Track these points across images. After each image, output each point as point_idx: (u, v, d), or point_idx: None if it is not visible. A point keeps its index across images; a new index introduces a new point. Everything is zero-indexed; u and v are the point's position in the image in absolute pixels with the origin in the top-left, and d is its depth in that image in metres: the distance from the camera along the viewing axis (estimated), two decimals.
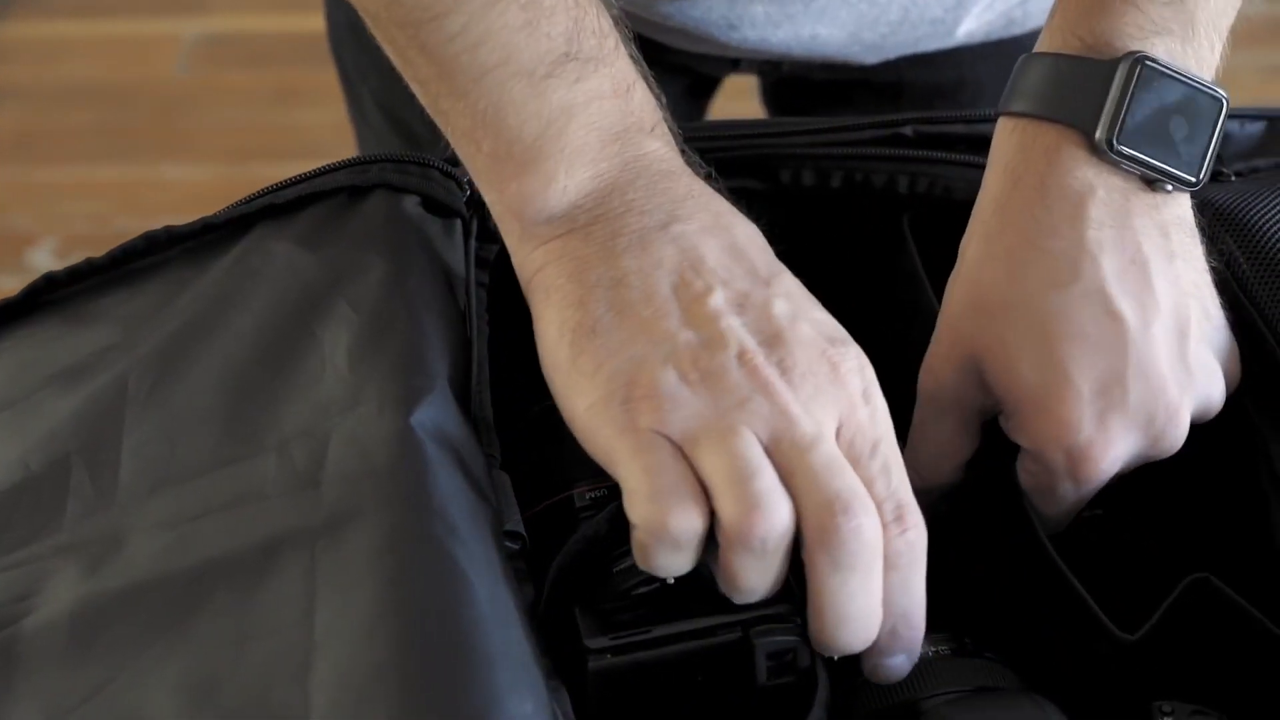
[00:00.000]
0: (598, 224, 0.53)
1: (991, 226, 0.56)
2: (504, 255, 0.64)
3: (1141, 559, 0.62)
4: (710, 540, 0.50)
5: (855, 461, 0.50)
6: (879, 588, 0.50)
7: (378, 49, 0.87)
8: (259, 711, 0.46)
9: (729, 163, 0.66)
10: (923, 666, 0.56)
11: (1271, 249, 0.61)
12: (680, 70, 0.87)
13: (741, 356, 0.50)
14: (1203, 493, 0.63)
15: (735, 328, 0.51)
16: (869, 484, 0.50)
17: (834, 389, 0.51)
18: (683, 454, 0.49)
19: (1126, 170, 0.55)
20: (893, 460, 0.51)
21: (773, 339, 0.51)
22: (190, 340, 0.56)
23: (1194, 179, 0.57)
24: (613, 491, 0.58)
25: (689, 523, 0.49)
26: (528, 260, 0.55)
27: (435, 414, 0.51)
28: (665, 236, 0.53)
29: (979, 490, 0.61)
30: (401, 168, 0.59)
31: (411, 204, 0.59)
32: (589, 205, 0.53)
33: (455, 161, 0.62)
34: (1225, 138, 0.68)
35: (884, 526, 0.50)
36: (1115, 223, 0.55)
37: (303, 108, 2.18)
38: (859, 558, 0.49)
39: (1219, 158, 0.67)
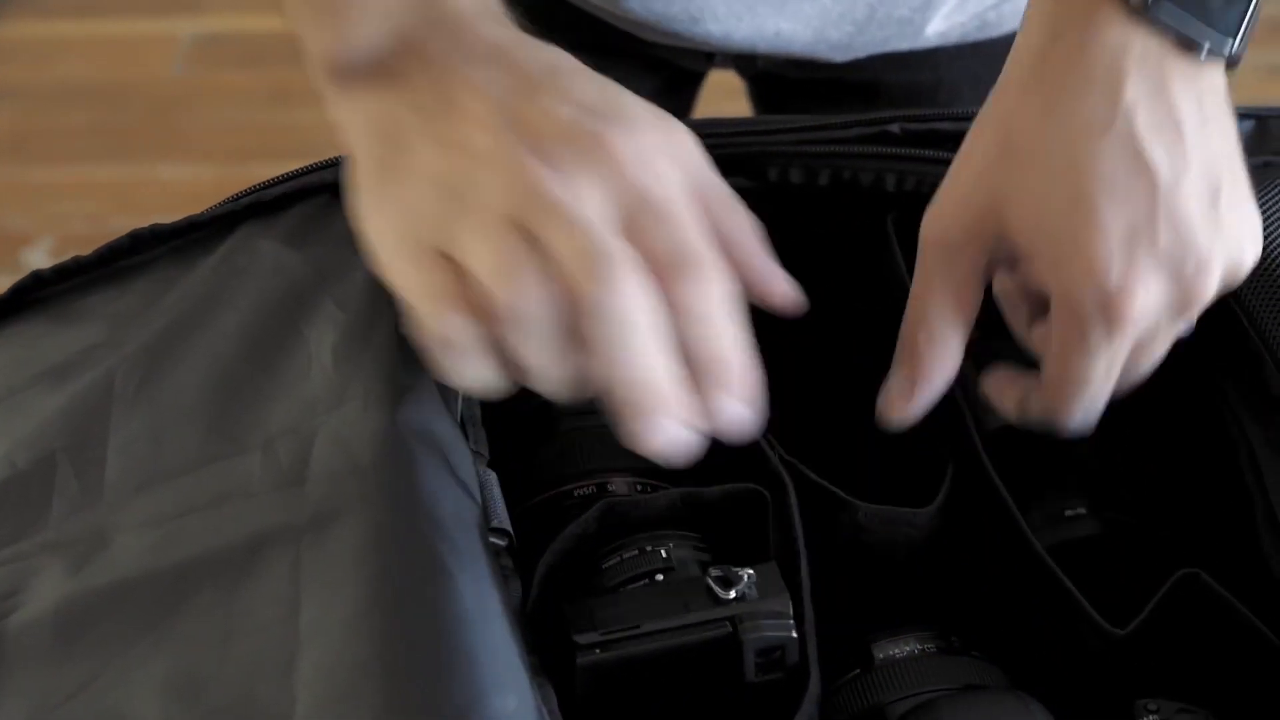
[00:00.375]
0: (396, 77, 0.52)
1: (1028, 77, 0.56)
2: None
3: (1129, 556, 0.62)
4: None
5: (640, 233, 0.49)
6: (658, 345, 0.49)
7: None
8: (244, 708, 0.46)
9: (717, 161, 0.66)
10: (910, 665, 0.56)
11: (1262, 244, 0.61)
12: (659, 64, 0.88)
13: (496, 147, 0.49)
14: (1189, 490, 0.63)
15: (497, 127, 0.50)
16: (656, 250, 0.49)
17: (594, 159, 0.49)
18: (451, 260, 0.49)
19: (1164, 32, 0.55)
20: (684, 223, 0.50)
21: (524, 125, 0.50)
22: (177, 338, 0.56)
23: (1229, 47, 0.56)
24: (603, 489, 0.58)
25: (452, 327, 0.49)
26: (333, 110, 0.54)
27: (421, 412, 0.51)
28: (459, 82, 0.51)
29: (965, 488, 0.61)
30: None
31: None
32: (390, 57, 0.53)
33: None
34: None
35: (672, 280, 0.49)
36: (1152, 82, 0.55)
37: (299, 108, 2.18)
38: (624, 322, 0.48)
39: None
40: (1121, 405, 0.67)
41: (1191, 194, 0.55)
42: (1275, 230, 0.62)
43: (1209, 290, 0.55)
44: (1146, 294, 0.54)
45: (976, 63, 0.86)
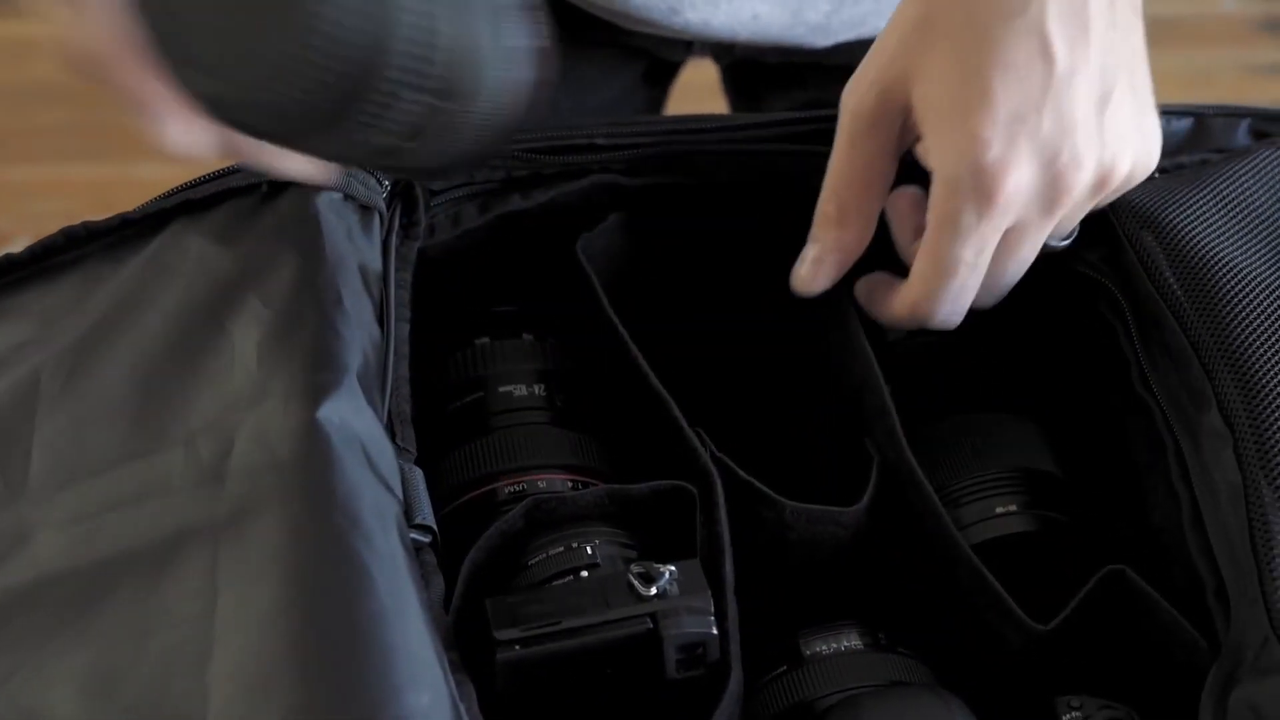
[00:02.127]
0: None
1: None
2: (427, 253, 0.64)
3: (1059, 553, 0.62)
4: None
5: None
6: None
7: None
8: (159, 704, 0.46)
9: (649, 159, 0.66)
10: (837, 661, 0.56)
11: (1190, 246, 0.61)
12: (639, 53, 0.88)
13: None
14: (1120, 488, 0.63)
15: None
16: None
17: None
18: None
19: None
20: None
21: None
22: (103, 335, 0.56)
23: None
24: (532, 486, 0.59)
25: None
26: None
27: (342, 408, 0.51)
28: None
29: (891, 485, 0.61)
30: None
31: (329, 199, 0.59)
32: None
33: None
34: None
35: None
36: None
37: None
38: None
39: None
40: (1057, 405, 0.67)
41: (1082, 90, 0.56)
42: (1210, 232, 0.63)
43: (1078, 185, 0.57)
44: (1019, 175, 0.56)
45: None
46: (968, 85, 0.56)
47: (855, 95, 0.60)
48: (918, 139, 0.59)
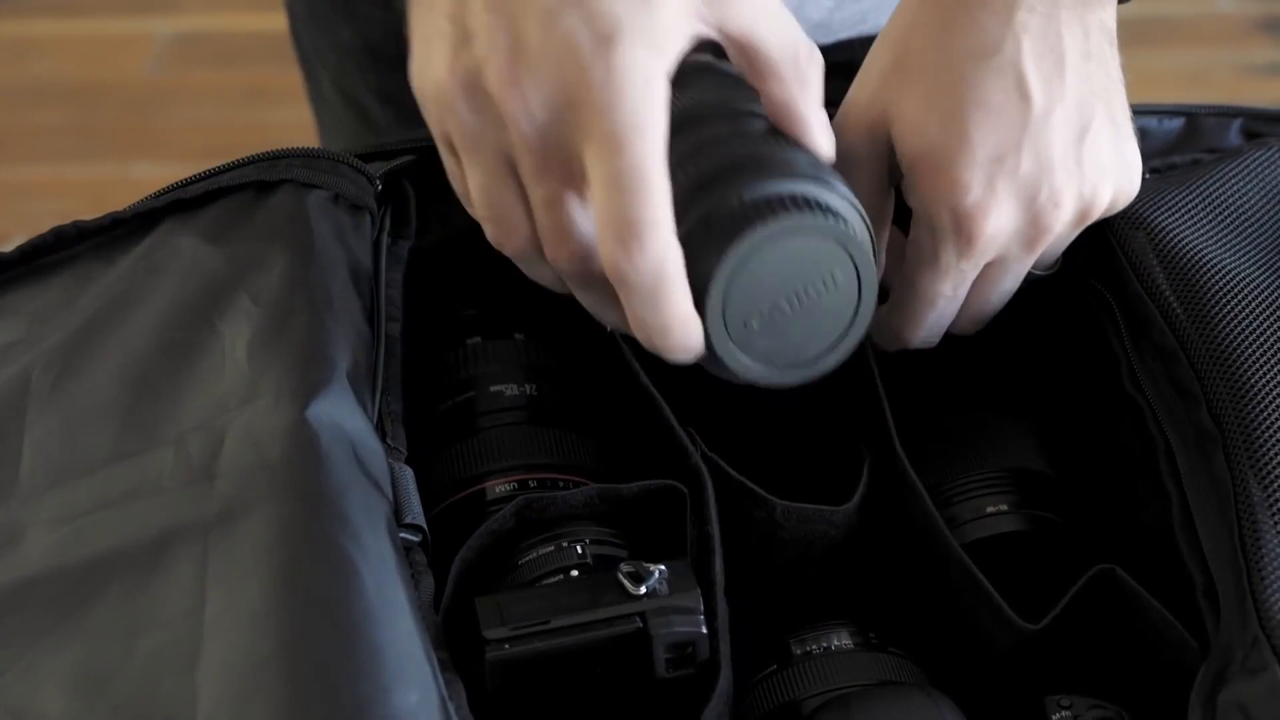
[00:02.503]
0: None
1: None
2: (419, 253, 0.64)
3: (1051, 553, 0.62)
4: None
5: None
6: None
7: (334, 31, 0.87)
8: (148, 703, 0.46)
9: None
10: (827, 661, 0.56)
11: (1180, 247, 0.61)
12: None
13: (487, 64, 0.50)
14: (1112, 488, 0.63)
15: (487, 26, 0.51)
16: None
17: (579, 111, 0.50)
18: None
19: None
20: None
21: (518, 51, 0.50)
22: (94, 335, 0.56)
23: None
24: (523, 486, 0.59)
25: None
26: None
27: (332, 407, 0.52)
28: None
29: (883, 484, 0.61)
30: (310, 163, 0.59)
31: (320, 199, 0.59)
32: None
33: (367, 157, 0.62)
34: (1143, 134, 0.69)
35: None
36: (1044, 10, 0.56)
37: (274, 107, 2.18)
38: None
39: None
40: (1049, 404, 0.67)
41: (1059, 127, 0.56)
42: (1201, 233, 0.63)
43: (1057, 223, 0.57)
44: (998, 217, 0.56)
45: None
46: (945, 128, 0.56)
47: (842, 140, 0.59)
48: (902, 175, 0.59)
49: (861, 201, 0.56)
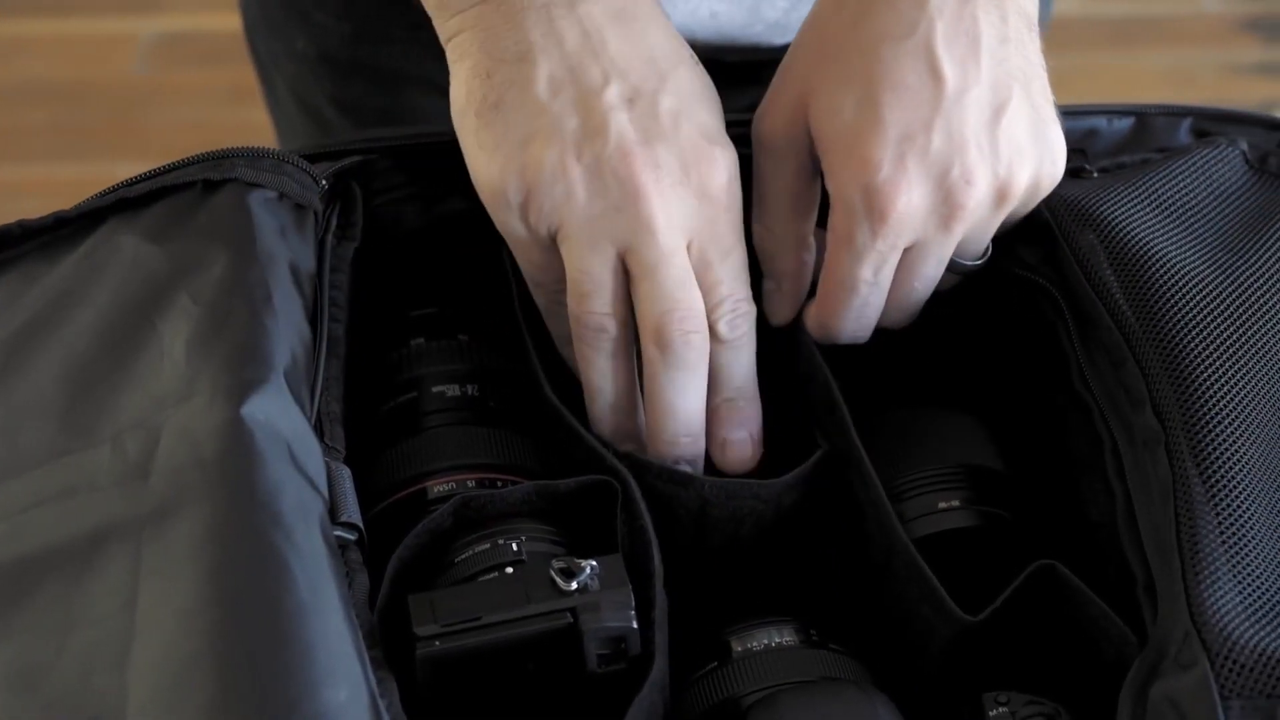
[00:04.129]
0: None
1: None
2: (364, 253, 0.65)
3: (1000, 549, 0.63)
4: None
5: (706, 266, 0.58)
6: (702, 388, 0.59)
7: (289, 39, 0.87)
8: (78, 699, 0.47)
9: None
10: (767, 658, 0.57)
11: (1129, 244, 0.62)
12: None
13: (620, 151, 0.56)
14: (1061, 485, 0.64)
15: (621, 122, 0.56)
16: (715, 285, 0.58)
17: (699, 201, 0.57)
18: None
19: None
20: (739, 263, 0.59)
21: (653, 136, 0.57)
22: (35, 335, 0.56)
23: None
24: (463, 486, 0.59)
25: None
26: (444, 27, 0.60)
27: (268, 406, 0.52)
28: (571, 15, 0.57)
29: (837, 475, 0.61)
30: (255, 162, 0.59)
31: (264, 198, 0.59)
32: None
33: (315, 157, 0.63)
34: (1092, 134, 0.69)
35: (721, 319, 0.58)
36: None
37: (259, 107, 2.16)
38: (687, 359, 0.58)
39: (1083, 154, 0.68)
40: (1001, 401, 0.68)
41: (973, 107, 0.57)
42: (1150, 230, 0.63)
43: (971, 201, 0.58)
44: (910, 194, 0.57)
45: None
46: (859, 109, 0.58)
47: (761, 125, 0.62)
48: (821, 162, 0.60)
49: (782, 190, 0.59)
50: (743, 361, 0.60)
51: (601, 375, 0.59)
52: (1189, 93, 2.16)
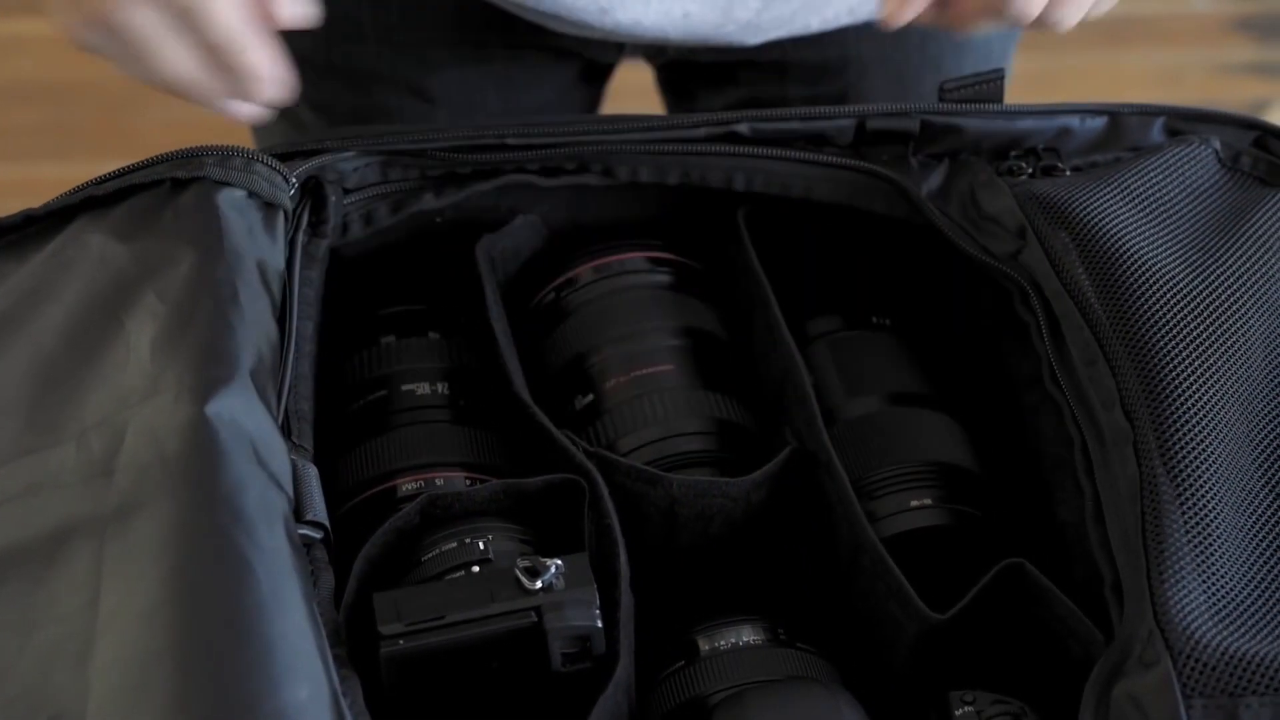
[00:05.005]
0: None
1: None
2: (340, 252, 0.65)
3: (971, 547, 0.63)
4: None
5: None
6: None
7: None
8: (40, 697, 0.47)
9: (568, 158, 0.66)
10: (734, 657, 0.57)
11: (1103, 242, 0.62)
12: (571, 55, 0.88)
13: None
14: (1033, 484, 0.64)
15: None
16: None
17: None
18: None
19: None
20: None
21: None
22: (2, 332, 0.56)
23: None
24: (431, 484, 0.59)
25: None
26: None
27: (232, 404, 0.52)
28: None
29: (806, 473, 0.62)
30: (224, 161, 0.59)
31: (233, 197, 0.59)
32: None
33: (285, 156, 0.63)
34: (1065, 133, 0.69)
35: None
36: None
37: None
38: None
39: (1056, 153, 0.68)
40: (976, 401, 0.68)
41: None
42: (1122, 227, 0.63)
43: None
44: None
45: (884, 40, 0.86)
46: None
47: None
48: None
49: None
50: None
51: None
52: (1179, 92, 2.16)
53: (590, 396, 0.63)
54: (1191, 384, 0.57)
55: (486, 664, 0.52)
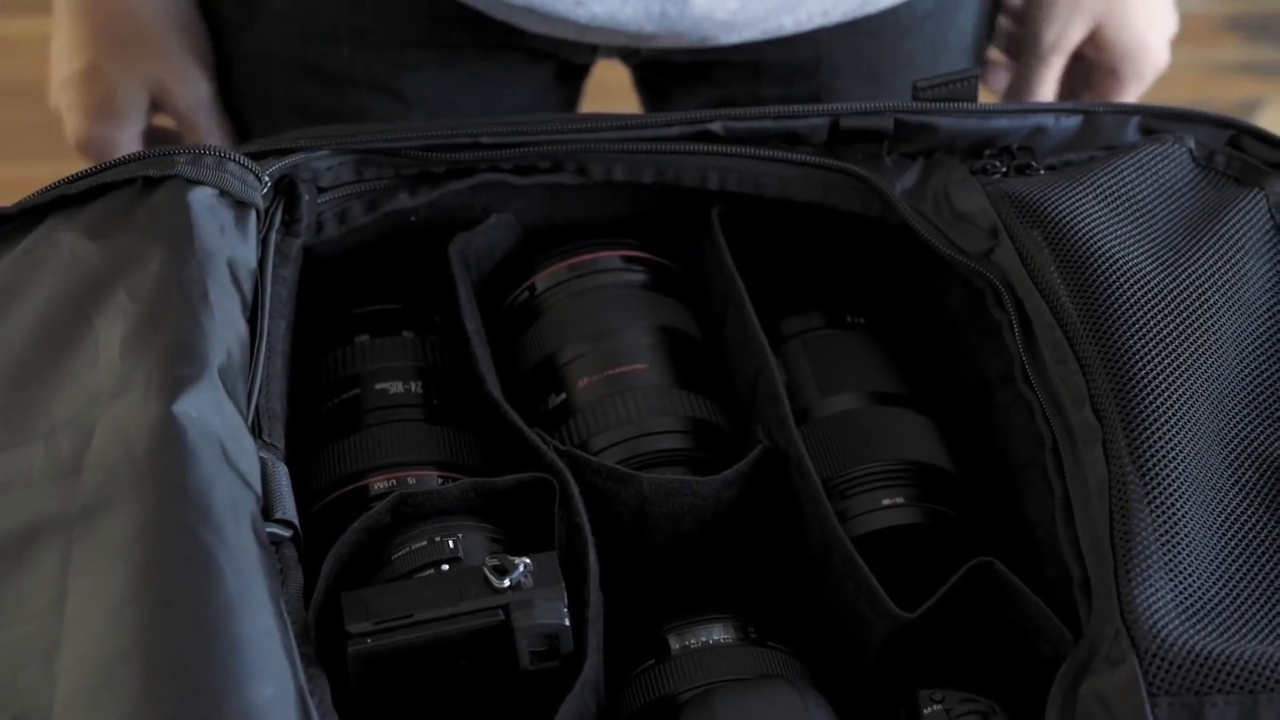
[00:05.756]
0: None
1: None
2: (314, 251, 0.65)
3: (943, 546, 0.63)
4: None
5: None
6: None
7: (238, 38, 0.88)
8: (6, 695, 0.47)
9: (542, 157, 0.67)
10: (704, 655, 0.57)
11: (1075, 241, 0.62)
12: (545, 56, 0.88)
13: None
14: (1005, 483, 0.64)
15: None
16: None
17: None
18: None
19: None
20: None
21: None
22: None
23: None
24: (403, 483, 0.59)
25: None
26: None
27: (201, 403, 0.52)
28: None
29: (777, 472, 0.62)
30: (196, 159, 0.59)
31: (204, 195, 0.59)
32: None
33: (258, 155, 0.63)
34: (1040, 132, 0.69)
35: None
36: None
37: None
38: None
39: (1030, 152, 0.68)
40: (949, 399, 0.68)
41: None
42: (1095, 226, 0.63)
43: None
44: None
45: (858, 40, 0.86)
46: (1143, 27, 0.93)
47: (1054, 34, 0.90)
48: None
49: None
50: None
51: None
52: (1170, 91, 2.15)
53: (563, 395, 0.63)
54: (1161, 383, 0.57)
55: (455, 663, 0.52)
